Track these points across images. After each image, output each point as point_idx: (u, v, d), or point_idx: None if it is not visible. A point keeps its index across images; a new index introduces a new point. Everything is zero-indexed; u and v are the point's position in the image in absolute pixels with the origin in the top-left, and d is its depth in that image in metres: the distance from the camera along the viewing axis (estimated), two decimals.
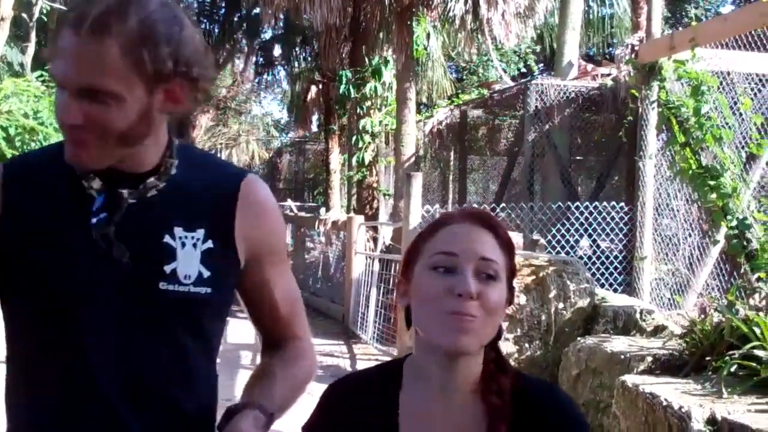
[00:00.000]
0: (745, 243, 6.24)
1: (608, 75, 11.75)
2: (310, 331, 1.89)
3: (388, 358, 9.44)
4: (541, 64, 25.85)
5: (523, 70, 25.27)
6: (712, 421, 4.40)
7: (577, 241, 9.30)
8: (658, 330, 6.49)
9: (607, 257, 9.06)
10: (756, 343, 5.00)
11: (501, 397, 1.52)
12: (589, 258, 9.08)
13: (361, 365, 9.55)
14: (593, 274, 8.35)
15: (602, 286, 8.56)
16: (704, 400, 4.68)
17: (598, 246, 9.51)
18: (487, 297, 1.48)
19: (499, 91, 13.66)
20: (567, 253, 8.87)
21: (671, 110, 7.26)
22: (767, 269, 5.94)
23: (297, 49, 25.29)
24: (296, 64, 25.90)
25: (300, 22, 19.15)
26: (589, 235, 9.36)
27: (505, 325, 6.87)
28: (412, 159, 12.90)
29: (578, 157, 13.86)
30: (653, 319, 6.62)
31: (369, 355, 10.05)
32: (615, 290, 8.35)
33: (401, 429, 1.50)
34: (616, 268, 8.96)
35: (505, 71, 23.99)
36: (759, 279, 5.94)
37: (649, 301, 7.73)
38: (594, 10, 21.39)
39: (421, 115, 16.32)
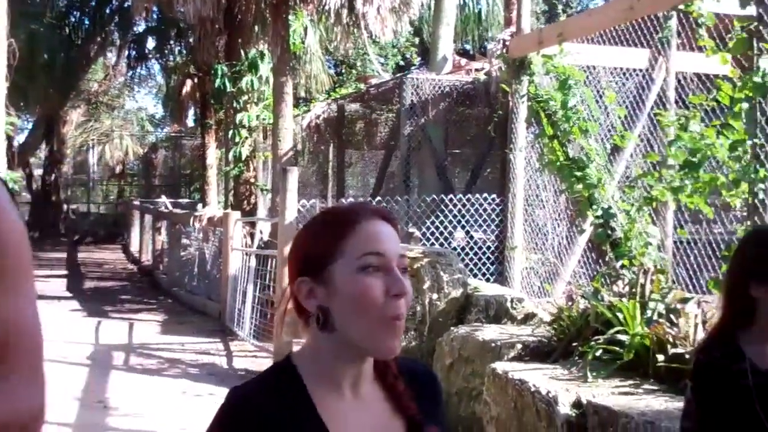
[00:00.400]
0: (609, 232, 6.44)
1: (481, 69, 11.95)
2: (34, 368, 1.52)
3: (265, 354, 9.35)
4: (420, 58, 26.14)
5: (402, 63, 25.47)
6: (577, 404, 4.52)
7: (450, 233, 9.43)
8: (528, 318, 6.63)
9: (480, 248, 9.23)
10: (619, 328, 5.17)
11: (397, 379, 1.56)
12: (463, 249, 9.22)
13: (237, 362, 9.42)
14: (467, 265, 8.49)
15: (476, 276, 8.71)
16: (570, 384, 4.81)
17: (471, 237, 9.67)
18: (409, 292, 1.51)
19: (376, 85, 13.72)
20: (441, 244, 8.98)
21: (540, 104, 7.43)
22: (630, 257, 6.16)
23: (171, 42, 24.77)
24: (171, 58, 25.38)
25: (174, 15, 18.73)
26: (463, 227, 9.51)
27: None
28: (290, 153, 12.81)
29: (454, 151, 14.07)
30: (523, 307, 6.77)
31: (246, 351, 9.94)
32: (488, 280, 8.51)
33: (330, 428, 1.48)
34: (488, 258, 9.13)
35: (383, 65, 24.15)
36: (623, 266, 6.14)
37: (520, 290, 7.90)
38: (470, 5, 21.76)
39: (299, 109, 16.23)
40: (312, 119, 14.63)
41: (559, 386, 4.72)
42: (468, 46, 23.43)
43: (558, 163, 7.02)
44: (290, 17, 12.97)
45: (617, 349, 5.05)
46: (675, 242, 8.84)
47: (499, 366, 5.24)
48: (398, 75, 13.75)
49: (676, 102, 8.38)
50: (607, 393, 4.57)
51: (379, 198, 10.71)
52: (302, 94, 19.81)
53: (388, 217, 1.54)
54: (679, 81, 8.58)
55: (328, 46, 19.22)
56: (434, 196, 9.48)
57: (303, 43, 15.26)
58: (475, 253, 9.20)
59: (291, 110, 12.96)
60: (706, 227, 7.53)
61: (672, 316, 5.18)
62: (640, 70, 8.88)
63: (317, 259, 1.51)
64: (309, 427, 1.46)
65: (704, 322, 5.05)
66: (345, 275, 1.48)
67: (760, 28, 5.16)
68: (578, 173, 6.79)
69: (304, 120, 14.90)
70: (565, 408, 4.51)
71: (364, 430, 1.51)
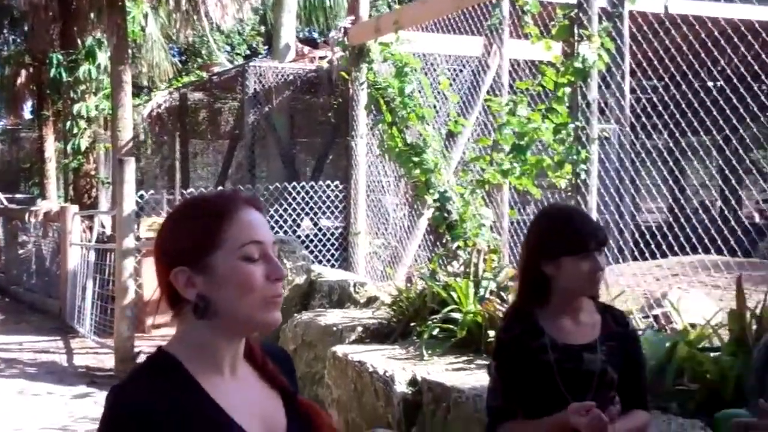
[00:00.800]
0: (446, 214, 6.61)
1: (324, 57, 11.98)
2: None
3: (106, 350, 9.10)
4: (267, 47, 25.93)
5: (249, 52, 25.21)
6: (413, 382, 4.65)
7: (295, 221, 9.44)
8: (370, 301, 6.73)
9: (324, 234, 9.29)
10: (453, 306, 5.33)
11: (265, 357, 1.64)
12: (307, 236, 9.26)
13: (78, 359, 9.14)
14: (311, 252, 8.53)
15: (321, 262, 8.77)
16: (407, 363, 4.93)
17: (317, 224, 9.71)
18: (285, 274, 1.72)
19: (218, 73, 13.53)
20: (286, 232, 8.99)
21: (378, 91, 7.52)
22: (465, 238, 6.34)
23: (5, 31, 23.57)
24: (4, 47, 24.15)
25: (7, 1, 17.88)
26: (307, 214, 9.54)
27: None
28: (131, 144, 12.46)
29: (301, 139, 14.07)
30: (366, 291, 6.87)
31: (87, 348, 9.65)
32: (333, 266, 8.58)
33: (229, 412, 1.52)
34: (333, 245, 9.21)
35: (231, 54, 23.84)
36: (458, 247, 6.32)
37: (365, 275, 8.01)
38: None
39: (140, 98, 15.80)
40: (153, 108, 14.28)
41: (397, 365, 4.83)
42: (315, 34, 23.42)
43: (397, 149, 7.14)
44: (128, 4, 12.61)
45: (452, 327, 5.21)
46: (513, 222, 9.18)
47: (340, 349, 5.31)
48: (240, 63, 13.61)
49: (510, 88, 8.67)
50: (441, 370, 4.71)
51: (221, 188, 10.58)
52: (145, 83, 19.30)
53: (258, 204, 1.59)
54: (513, 67, 8.88)
55: (170, 34, 18.79)
56: (277, 184, 9.45)
57: (143, 30, 14.88)
58: (320, 240, 9.25)
59: (131, 100, 12.59)
60: (537, 208, 7.83)
61: (503, 294, 5.38)
62: (476, 58, 9.14)
63: (195, 250, 1.52)
64: (204, 409, 1.49)
65: None
66: (227, 264, 1.52)
67: (580, 15, 5.41)
68: (416, 158, 6.93)
69: (146, 109, 14.52)
70: (401, 386, 4.62)
71: (251, 405, 1.57)
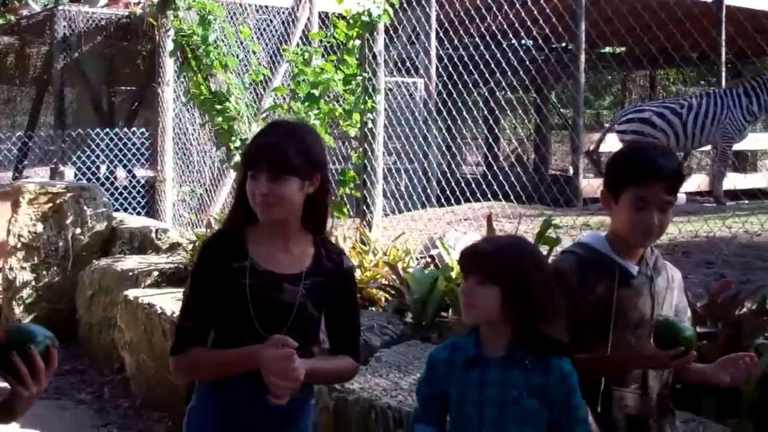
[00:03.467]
0: None
1: (138, 3, 11.75)
2: None
3: None
4: None
5: None
6: None
7: (98, 168, 9.33)
8: (173, 247, 6.82)
9: (130, 182, 9.23)
10: None
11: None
12: (112, 183, 9.18)
13: None
14: (116, 199, 8.48)
15: (126, 210, 8.73)
16: None
17: (130, 171, 9.62)
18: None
19: (27, 17, 12.98)
20: (89, 179, 8.87)
21: (183, 38, 7.52)
22: None
23: None
24: None
25: None
26: (111, 161, 9.43)
27: (21, 254, 6.74)
28: None
29: (116, 87, 13.76)
30: (168, 237, 6.94)
31: None
32: (140, 213, 8.57)
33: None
34: (139, 192, 9.17)
35: None
36: None
37: (171, 223, 8.06)
38: None
39: None
40: None
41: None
42: None
43: (201, 97, 7.19)
44: None
45: None
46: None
47: (131, 293, 5.41)
48: (49, 7, 13.11)
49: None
50: None
51: (30, 133, 10.28)
52: None
53: None
54: (322, 20, 9.06)
55: None
56: (80, 130, 9.29)
57: None
58: (125, 188, 9.19)
59: None
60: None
61: None
62: (287, 9, 9.26)
63: None
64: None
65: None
66: None
67: None
68: (219, 107, 7.01)
69: None
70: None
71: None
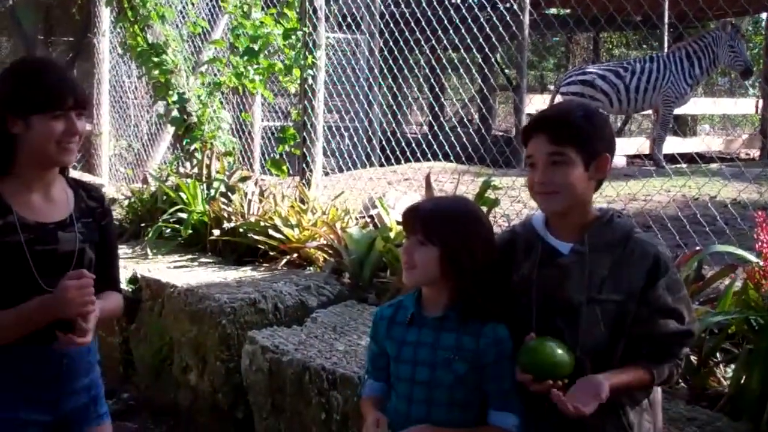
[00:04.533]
0: (185, 116, 6.60)
1: None
2: None
3: None
4: None
5: None
6: (133, 280, 4.72)
7: None
8: (110, 202, 6.65)
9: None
10: (182, 206, 5.42)
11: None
12: None
13: None
14: None
15: None
16: (130, 262, 4.99)
17: None
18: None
19: None
20: None
21: None
22: (203, 140, 6.39)
23: None
24: None
25: None
26: None
27: None
28: None
29: (53, 37, 13.36)
30: (104, 192, 6.77)
31: None
32: (75, 168, 8.34)
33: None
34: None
35: None
36: (195, 150, 6.37)
37: (108, 177, 7.88)
38: None
39: None
40: None
41: (120, 264, 4.86)
42: None
43: (138, 49, 7.00)
44: None
45: (178, 226, 5.31)
46: (265, 128, 9.29)
47: None
48: None
49: None
50: (163, 268, 4.81)
51: None
52: None
53: None
54: None
55: None
56: None
57: None
58: None
59: None
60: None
61: (230, 194, 5.52)
62: None
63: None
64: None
65: (261, 197, 5.45)
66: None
67: None
68: (156, 59, 6.83)
69: None
70: (122, 285, 4.67)
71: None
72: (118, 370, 4.76)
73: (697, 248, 3.49)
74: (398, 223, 4.71)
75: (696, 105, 13.58)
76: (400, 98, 13.37)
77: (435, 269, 2.01)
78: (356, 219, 5.13)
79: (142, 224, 5.71)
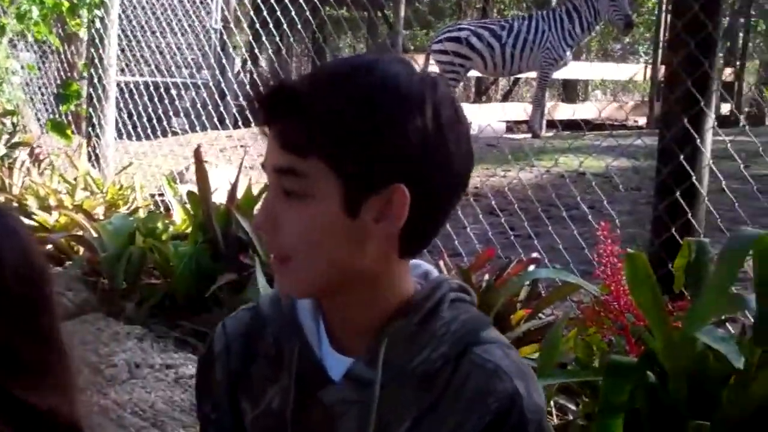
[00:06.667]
0: None
1: None
2: None
3: None
4: None
5: None
6: None
7: None
8: None
9: None
10: None
11: None
12: None
13: None
14: None
15: None
16: None
17: None
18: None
19: None
20: None
21: None
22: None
23: None
24: None
25: None
26: None
27: None
28: None
29: None
30: None
31: None
32: None
33: None
34: None
35: None
36: None
37: None
38: None
39: None
40: None
41: None
42: None
43: None
44: None
45: None
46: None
47: None
48: None
49: None
50: None
51: None
52: None
53: None
54: None
55: None
56: None
57: None
58: None
59: None
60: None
61: (12, 154, 4.47)
62: None
63: None
64: None
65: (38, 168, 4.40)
66: None
67: None
68: None
69: None
70: None
71: None
72: None
73: (534, 256, 2.61)
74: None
75: (592, 69, 13.04)
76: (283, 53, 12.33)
77: None
78: (150, 197, 4.13)
79: None
